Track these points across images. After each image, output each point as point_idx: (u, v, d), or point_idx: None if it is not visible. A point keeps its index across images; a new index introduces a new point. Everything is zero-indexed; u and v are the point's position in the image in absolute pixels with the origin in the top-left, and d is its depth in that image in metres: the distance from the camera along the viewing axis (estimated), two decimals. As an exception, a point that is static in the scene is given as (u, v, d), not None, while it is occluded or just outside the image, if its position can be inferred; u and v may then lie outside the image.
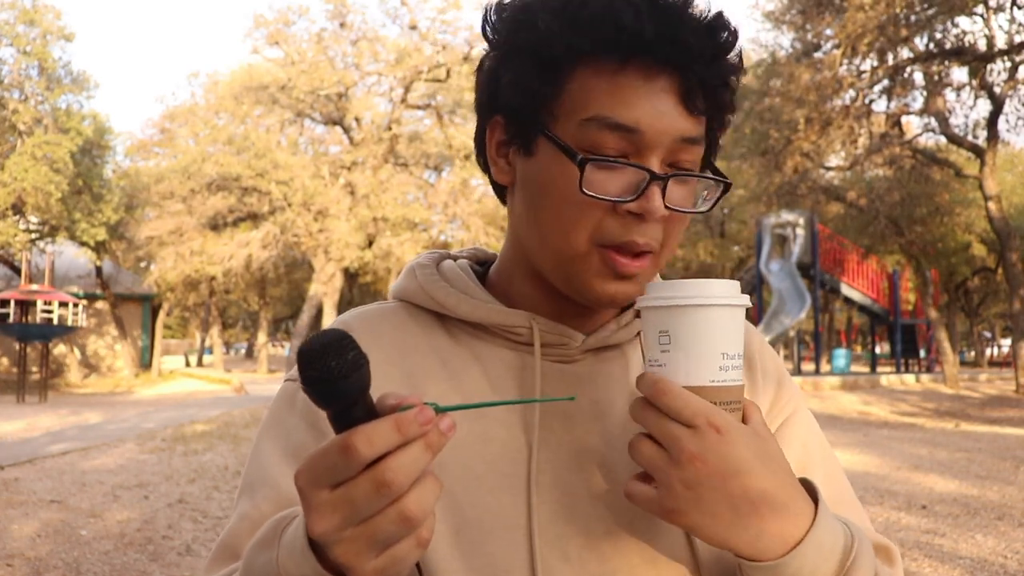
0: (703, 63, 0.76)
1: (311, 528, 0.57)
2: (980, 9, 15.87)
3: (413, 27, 22.16)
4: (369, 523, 0.55)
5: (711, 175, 0.81)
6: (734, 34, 0.79)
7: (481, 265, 0.96)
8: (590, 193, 0.76)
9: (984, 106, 20.76)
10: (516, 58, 0.80)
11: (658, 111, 0.76)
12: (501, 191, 0.89)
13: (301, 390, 0.84)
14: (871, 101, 18.33)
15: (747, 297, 0.73)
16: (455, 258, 0.95)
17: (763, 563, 0.69)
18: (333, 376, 0.54)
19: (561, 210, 0.79)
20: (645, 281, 0.80)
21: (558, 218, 0.79)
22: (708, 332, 0.71)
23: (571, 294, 0.83)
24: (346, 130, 23.91)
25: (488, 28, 0.83)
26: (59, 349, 26.29)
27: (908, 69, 17.36)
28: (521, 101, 0.80)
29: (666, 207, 0.77)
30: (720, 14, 0.78)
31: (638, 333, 0.88)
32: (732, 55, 0.80)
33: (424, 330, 0.88)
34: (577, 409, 0.84)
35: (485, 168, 0.88)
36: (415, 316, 0.89)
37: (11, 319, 19.71)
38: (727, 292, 0.71)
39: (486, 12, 0.84)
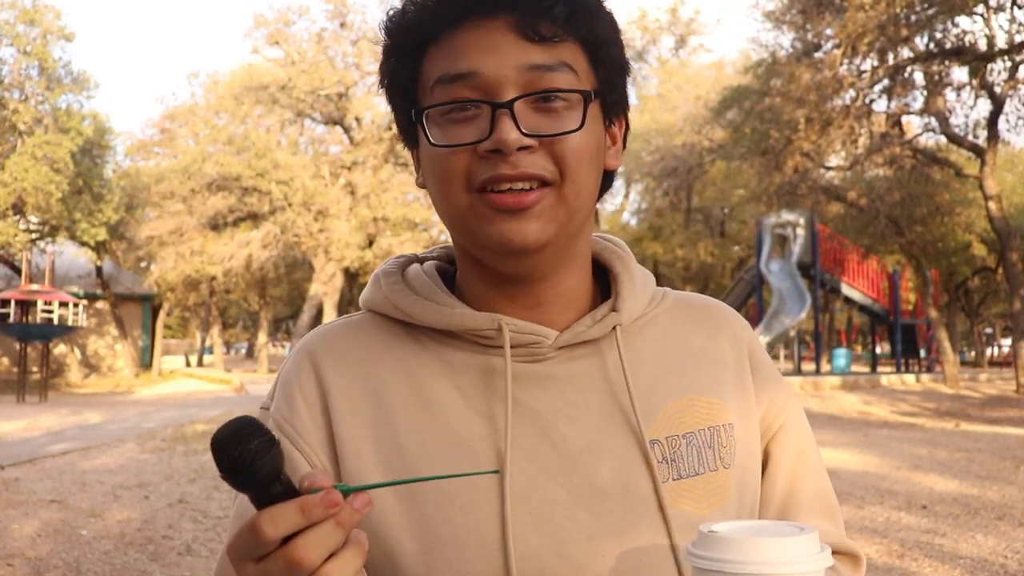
0: None
1: None
2: (980, 9, 15.86)
3: (413, 27, 22.17)
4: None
5: (562, 89, 0.77)
6: None
7: (454, 263, 0.93)
8: (439, 143, 0.77)
9: (984, 106, 20.75)
10: (384, 67, 0.84)
11: (494, 49, 0.76)
12: None
13: (271, 420, 0.85)
14: (871, 101, 18.32)
15: (826, 555, 0.61)
16: (423, 260, 0.93)
17: None
18: (238, 466, 0.56)
19: (435, 175, 0.79)
20: (547, 216, 0.77)
21: (436, 183, 0.80)
22: None
23: (485, 255, 0.81)
24: (346, 130, 23.91)
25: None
26: (59, 349, 26.28)
27: (908, 69, 17.36)
28: (397, 103, 0.84)
29: (526, 135, 0.75)
30: None
31: (614, 328, 0.85)
32: None
33: (390, 341, 0.87)
34: (551, 410, 0.82)
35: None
36: (382, 327, 0.88)
37: (11, 319, 19.70)
38: (803, 552, 0.60)
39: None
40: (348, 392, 0.84)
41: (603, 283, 0.91)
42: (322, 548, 0.57)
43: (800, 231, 20.96)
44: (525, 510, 0.78)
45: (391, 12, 0.83)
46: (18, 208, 21.42)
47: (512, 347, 0.83)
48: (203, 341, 43.60)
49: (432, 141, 0.77)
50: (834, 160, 22.25)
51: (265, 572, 0.58)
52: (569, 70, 0.77)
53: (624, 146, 0.88)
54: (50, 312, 20.06)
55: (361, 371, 0.85)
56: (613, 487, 0.80)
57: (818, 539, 0.62)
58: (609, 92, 0.82)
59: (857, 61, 16.91)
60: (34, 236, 22.84)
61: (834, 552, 0.87)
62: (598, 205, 0.90)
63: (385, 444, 0.82)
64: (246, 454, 0.56)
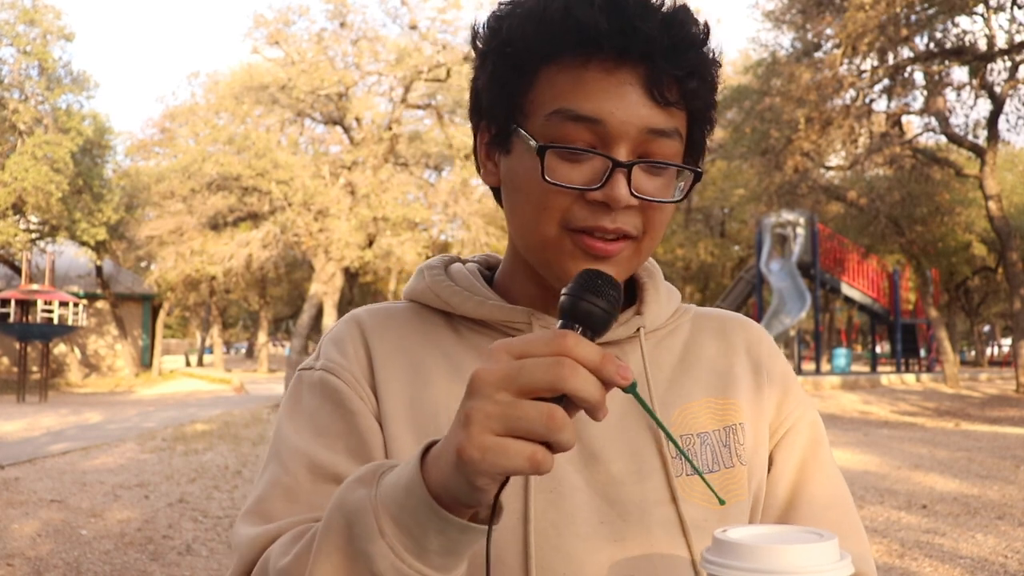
0: (665, 54, 0.77)
1: (478, 373, 0.59)
2: (980, 9, 15.86)
3: (413, 27, 22.15)
4: (519, 398, 0.57)
5: (679, 164, 0.81)
6: (701, 27, 0.80)
7: (492, 270, 0.99)
8: (553, 181, 0.78)
9: (984, 106, 20.77)
10: (490, 62, 0.84)
11: (622, 102, 0.77)
12: (498, 194, 0.91)
13: (327, 375, 0.86)
14: (871, 101, 18.32)
15: (846, 564, 0.59)
16: (465, 262, 0.98)
17: None
18: (588, 293, 0.62)
19: (531, 199, 0.81)
20: (624, 266, 0.82)
21: (529, 207, 0.82)
22: None
23: (553, 281, 0.84)
24: (346, 130, 23.88)
25: (477, 37, 0.87)
26: (59, 349, 26.28)
27: (908, 69, 17.35)
28: (495, 102, 0.83)
29: (634, 195, 0.78)
30: (684, 7, 0.80)
31: (638, 329, 0.90)
32: (703, 48, 0.80)
33: (430, 327, 0.91)
34: None
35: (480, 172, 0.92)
36: (422, 315, 0.92)
37: (11, 319, 19.70)
38: (822, 560, 0.58)
39: (474, 26, 0.87)
40: (391, 361, 0.88)
41: (631, 295, 0.95)
42: (583, 386, 0.57)
43: (800, 231, 20.96)
44: (547, 488, 0.82)
45: (511, 8, 0.82)
46: (18, 208, 21.41)
47: None
48: (203, 341, 43.62)
49: (547, 179, 0.78)
50: (834, 160, 22.26)
51: (522, 362, 0.58)
52: (678, 137, 0.81)
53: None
54: (50, 312, 20.06)
55: (403, 347, 0.89)
56: (628, 478, 0.84)
57: (838, 546, 0.60)
58: (697, 148, 0.86)
59: (857, 61, 16.90)
60: (34, 236, 22.84)
61: None
62: None
63: (422, 418, 0.85)
64: (601, 293, 0.62)
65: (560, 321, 0.62)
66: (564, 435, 0.57)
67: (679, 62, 0.77)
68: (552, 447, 0.58)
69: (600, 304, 0.61)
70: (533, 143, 0.79)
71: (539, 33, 0.79)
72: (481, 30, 0.86)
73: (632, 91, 0.78)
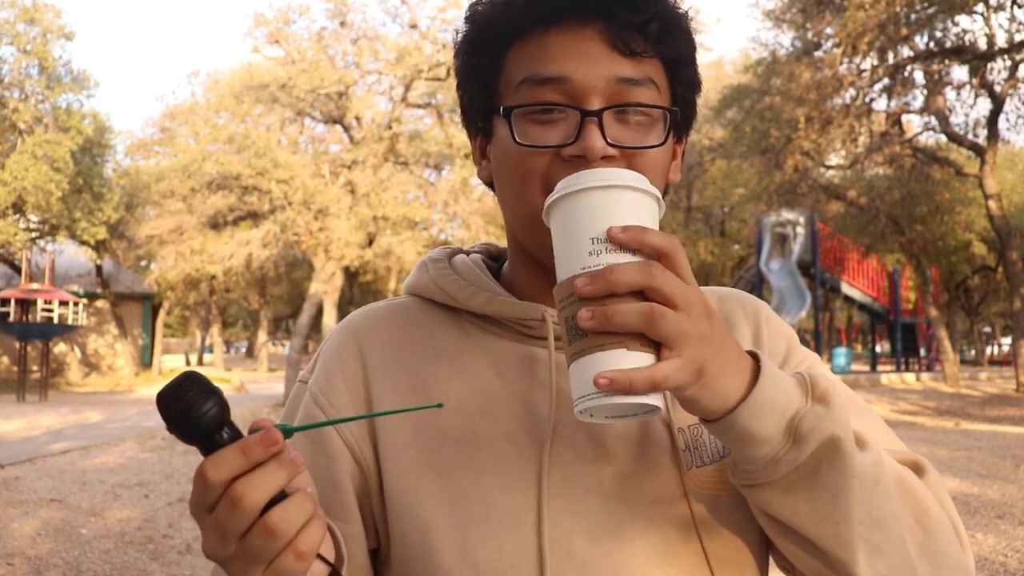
0: (623, 5, 0.77)
1: (204, 549, 0.61)
2: (980, 8, 15.85)
3: (413, 26, 22.14)
4: (243, 540, 0.59)
5: (649, 104, 0.79)
6: None
7: (494, 260, 0.97)
8: (525, 143, 0.78)
9: (984, 105, 20.77)
10: (461, 58, 0.85)
11: (586, 57, 0.77)
12: (494, 188, 0.90)
13: (312, 406, 0.86)
14: (871, 100, 18.31)
15: (619, 177, 0.65)
16: (467, 253, 0.96)
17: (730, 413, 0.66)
18: (178, 417, 0.59)
19: (511, 170, 0.81)
20: None
21: (512, 179, 0.81)
22: (571, 223, 0.66)
23: (549, 255, 0.82)
24: (346, 129, 23.88)
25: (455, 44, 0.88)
26: (59, 348, 26.27)
27: (908, 68, 17.34)
28: (474, 94, 0.84)
29: (611, 145, 0.77)
30: None
31: None
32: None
33: (434, 325, 0.89)
34: None
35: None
36: (426, 311, 0.90)
37: (11, 318, 19.69)
38: (599, 177, 0.65)
39: (454, 38, 0.88)
40: (390, 370, 0.86)
41: None
42: (264, 488, 0.58)
43: (800, 230, 20.96)
44: (560, 493, 0.80)
45: (477, 3, 0.83)
46: (18, 207, 21.39)
47: (554, 338, 0.85)
48: (203, 340, 43.64)
49: (518, 140, 0.78)
50: (834, 159, 22.24)
51: (216, 518, 0.59)
52: (653, 86, 0.79)
53: (682, 162, 0.90)
54: (50, 311, 20.06)
55: (404, 351, 0.87)
56: (643, 474, 0.82)
57: (645, 180, 0.67)
58: (682, 110, 0.85)
59: (857, 60, 16.89)
60: (34, 235, 22.82)
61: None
62: None
63: (426, 423, 0.83)
64: (183, 405, 0.59)
65: (197, 448, 0.61)
66: (302, 536, 0.60)
67: (636, 9, 0.77)
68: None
69: (203, 409, 0.60)
70: (501, 109, 0.79)
71: (500, 14, 0.80)
72: (457, 38, 0.86)
73: (595, 46, 0.77)
